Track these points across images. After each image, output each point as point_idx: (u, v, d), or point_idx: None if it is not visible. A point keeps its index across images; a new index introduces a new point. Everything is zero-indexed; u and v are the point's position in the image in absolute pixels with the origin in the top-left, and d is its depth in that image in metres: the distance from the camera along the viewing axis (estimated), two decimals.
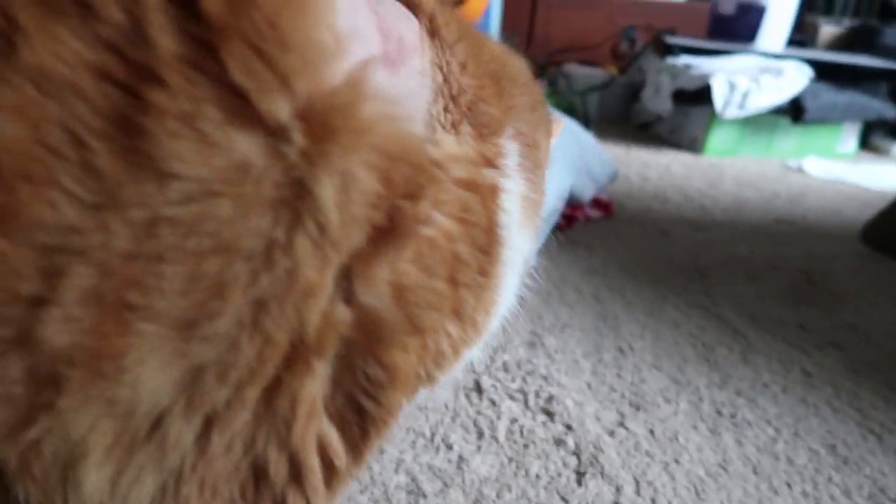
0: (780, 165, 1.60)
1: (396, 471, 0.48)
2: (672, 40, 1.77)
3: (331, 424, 0.28)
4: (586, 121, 1.72)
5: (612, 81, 1.89)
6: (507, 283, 0.35)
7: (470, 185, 0.30)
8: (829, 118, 1.60)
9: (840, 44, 2.17)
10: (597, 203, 1.08)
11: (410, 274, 0.27)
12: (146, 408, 0.23)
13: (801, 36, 2.10)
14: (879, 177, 1.52)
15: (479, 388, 0.59)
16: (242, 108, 0.22)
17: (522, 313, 0.40)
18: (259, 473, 0.27)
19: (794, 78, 1.54)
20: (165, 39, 0.21)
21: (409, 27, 0.30)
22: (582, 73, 1.92)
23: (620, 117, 1.94)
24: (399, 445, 0.51)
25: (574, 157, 0.96)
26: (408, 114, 0.27)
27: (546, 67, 2.17)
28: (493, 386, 0.59)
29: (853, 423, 0.59)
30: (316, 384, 0.27)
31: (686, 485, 0.49)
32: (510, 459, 0.50)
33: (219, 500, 0.26)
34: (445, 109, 0.31)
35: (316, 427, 0.27)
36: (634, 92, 1.89)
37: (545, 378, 0.61)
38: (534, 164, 0.40)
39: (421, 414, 0.55)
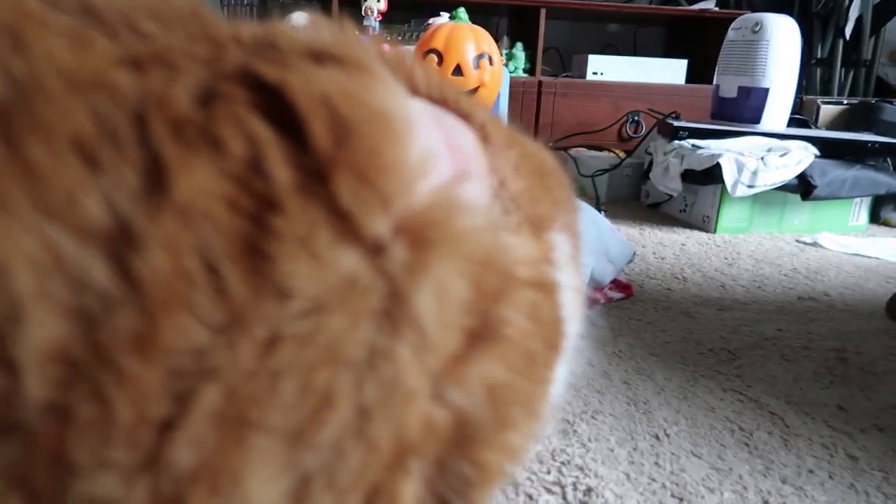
0: (794, 241, 1.60)
1: None
2: (678, 123, 1.81)
3: None
4: (597, 203, 1.75)
5: (620, 164, 1.93)
6: (560, 375, 0.36)
7: (536, 284, 0.31)
8: (838, 194, 1.61)
9: (841, 122, 2.22)
10: (617, 284, 1.07)
11: (498, 373, 0.28)
12: None
13: (802, 116, 2.15)
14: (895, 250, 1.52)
15: (514, 483, 0.56)
16: (347, 228, 0.24)
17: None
18: None
19: (800, 156, 1.57)
20: (282, 171, 0.23)
21: (467, 139, 0.32)
22: (589, 157, 1.96)
23: (630, 198, 1.97)
24: None
25: (592, 240, 0.97)
26: (489, 223, 0.29)
27: (557, 150, 2.22)
28: (529, 479, 0.57)
29: None
30: (414, 486, 0.27)
31: None
32: None
33: None
34: (506, 212, 0.32)
35: None
36: (642, 173, 1.92)
37: (581, 469, 0.59)
38: (580, 254, 0.42)
39: None
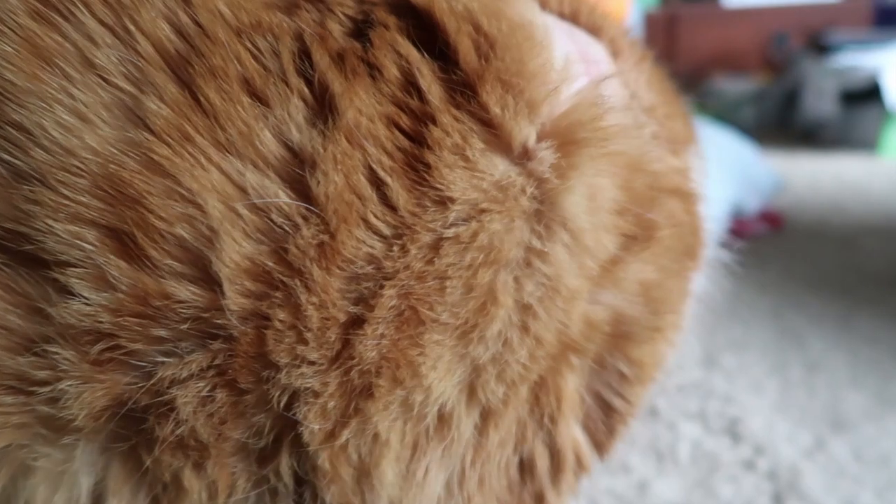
0: None
1: (575, 496, 0.47)
2: (830, 39, 1.64)
3: (585, 424, 0.30)
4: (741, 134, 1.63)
5: (766, 91, 1.78)
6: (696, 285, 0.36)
7: (680, 193, 0.32)
8: None
9: None
10: (764, 216, 1.00)
11: (651, 274, 0.29)
12: (434, 407, 0.25)
13: None
14: None
15: (653, 411, 0.56)
16: (499, 135, 0.25)
17: (691, 332, 0.39)
18: (525, 468, 0.29)
19: None
20: (434, 87, 0.25)
21: (598, 50, 0.33)
22: (732, 86, 1.82)
23: (778, 127, 1.81)
24: None
25: (734, 169, 0.91)
26: (636, 125, 0.29)
27: (693, 80, 2.09)
28: (670, 408, 0.56)
29: None
30: (577, 381, 0.28)
31: None
32: (697, 484, 0.47)
33: (491, 497, 0.28)
34: (640, 125, 0.32)
35: (576, 424, 0.30)
36: (791, 99, 1.76)
37: (726, 399, 0.57)
38: (706, 177, 0.42)
39: None
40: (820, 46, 1.64)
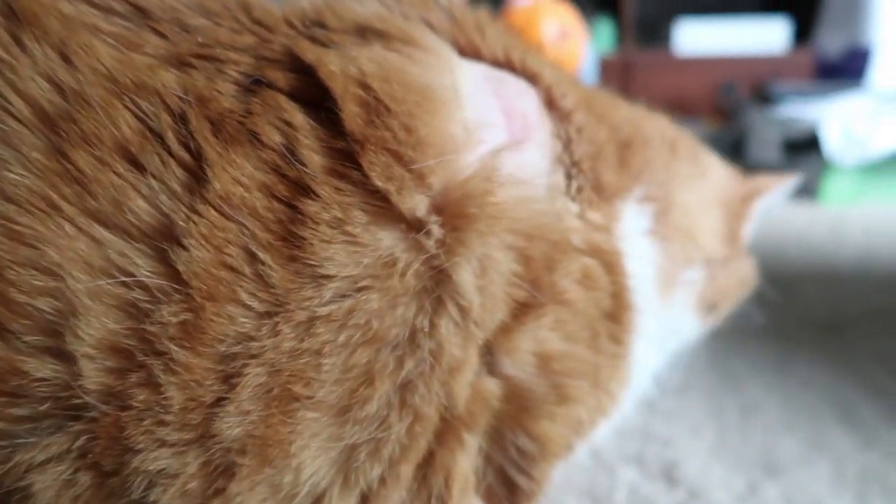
0: None
1: None
2: (775, 90, 1.71)
3: (480, 501, 0.29)
4: None
5: (716, 137, 1.85)
6: (643, 355, 0.34)
7: (594, 252, 0.31)
8: None
9: None
10: None
11: (552, 342, 0.28)
12: (307, 489, 0.24)
13: None
14: None
15: (594, 454, 0.56)
16: (384, 208, 0.24)
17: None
18: None
19: None
20: (315, 156, 0.24)
21: (529, 102, 0.32)
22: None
23: None
24: None
25: None
26: (538, 192, 0.29)
27: None
28: (609, 451, 0.56)
29: None
30: (468, 458, 0.27)
31: None
32: None
33: None
34: (568, 177, 0.31)
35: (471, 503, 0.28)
36: (739, 146, 1.83)
37: (665, 442, 0.58)
38: (672, 227, 0.39)
39: None
40: (764, 96, 1.72)
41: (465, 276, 0.25)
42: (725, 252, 0.43)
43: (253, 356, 0.23)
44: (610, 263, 0.31)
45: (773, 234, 1.27)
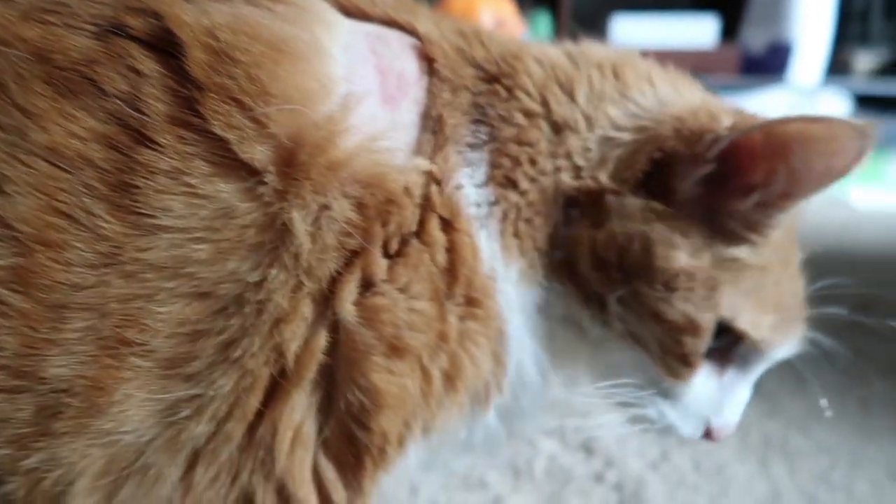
0: (826, 198, 1.56)
1: None
2: (704, 83, 1.77)
3: (326, 457, 0.28)
4: None
5: None
6: (522, 326, 0.33)
7: (432, 208, 0.29)
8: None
9: (880, 73, 2.14)
10: None
11: (383, 294, 0.28)
12: (130, 438, 0.25)
13: (837, 67, 2.08)
14: None
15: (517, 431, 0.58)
16: (228, 159, 0.24)
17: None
18: None
19: (831, 109, 1.52)
20: (159, 104, 0.24)
21: (408, 61, 0.32)
22: None
23: None
24: (432, 486, 0.50)
25: None
26: (388, 145, 0.28)
27: None
28: (531, 426, 0.58)
29: None
30: (296, 412, 0.27)
31: None
32: (549, 498, 0.49)
33: None
34: (433, 132, 0.31)
35: (307, 458, 0.28)
36: None
37: (585, 416, 0.60)
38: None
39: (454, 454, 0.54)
40: None
41: (298, 224, 0.25)
42: None
43: (82, 304, 0.23)
44: (454, 221, 0.30)
45: None
